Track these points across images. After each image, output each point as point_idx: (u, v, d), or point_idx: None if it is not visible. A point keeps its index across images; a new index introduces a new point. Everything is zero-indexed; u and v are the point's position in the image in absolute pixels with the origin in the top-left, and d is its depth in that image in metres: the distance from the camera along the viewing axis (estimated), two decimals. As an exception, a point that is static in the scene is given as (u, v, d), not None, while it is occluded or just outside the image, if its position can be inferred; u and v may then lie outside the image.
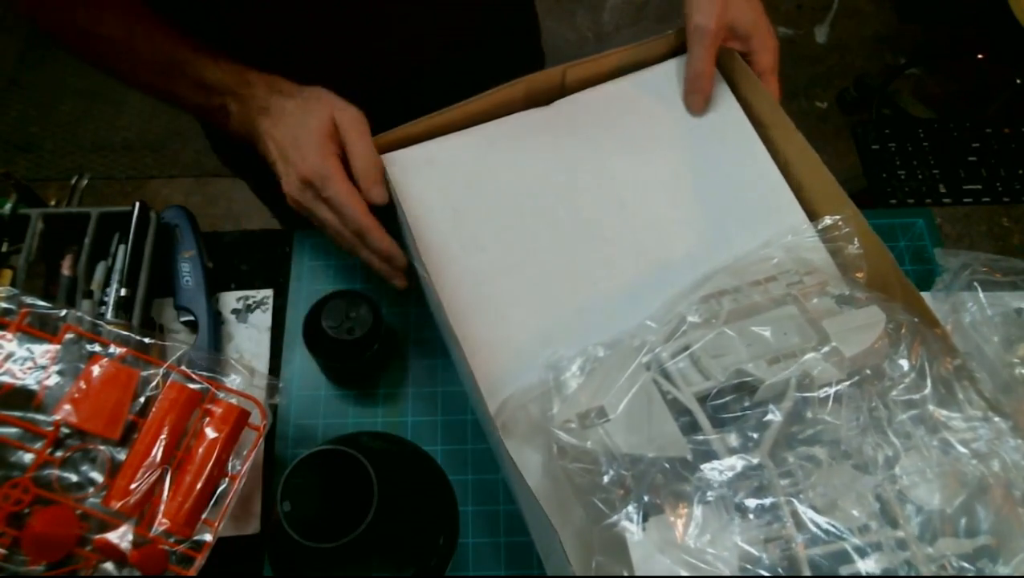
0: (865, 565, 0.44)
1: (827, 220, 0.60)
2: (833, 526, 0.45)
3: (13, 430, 0.52)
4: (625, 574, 0.45)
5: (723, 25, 0.63)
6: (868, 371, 0.49)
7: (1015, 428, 0.47)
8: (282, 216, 0.88)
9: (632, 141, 0.66)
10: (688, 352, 0.51)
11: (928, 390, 0.49)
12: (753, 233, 0.62)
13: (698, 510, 0.46)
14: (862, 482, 0.46)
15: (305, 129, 0.55)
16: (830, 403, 0.49)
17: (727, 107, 0.68)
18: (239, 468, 0.53)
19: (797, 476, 0.47)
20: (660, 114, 0.68)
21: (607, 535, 0.46)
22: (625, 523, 0.46)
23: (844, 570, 0.44)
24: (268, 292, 0.68)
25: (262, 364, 0.65)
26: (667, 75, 0.69)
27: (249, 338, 0.66)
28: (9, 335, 0.54)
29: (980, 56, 1.79)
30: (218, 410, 0.54)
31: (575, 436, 0.49)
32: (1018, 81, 1.61)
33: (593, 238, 0.62)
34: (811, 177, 0.63)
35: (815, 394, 0.48)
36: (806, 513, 0.46)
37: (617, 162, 0.65)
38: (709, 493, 0.46)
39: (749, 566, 0.44)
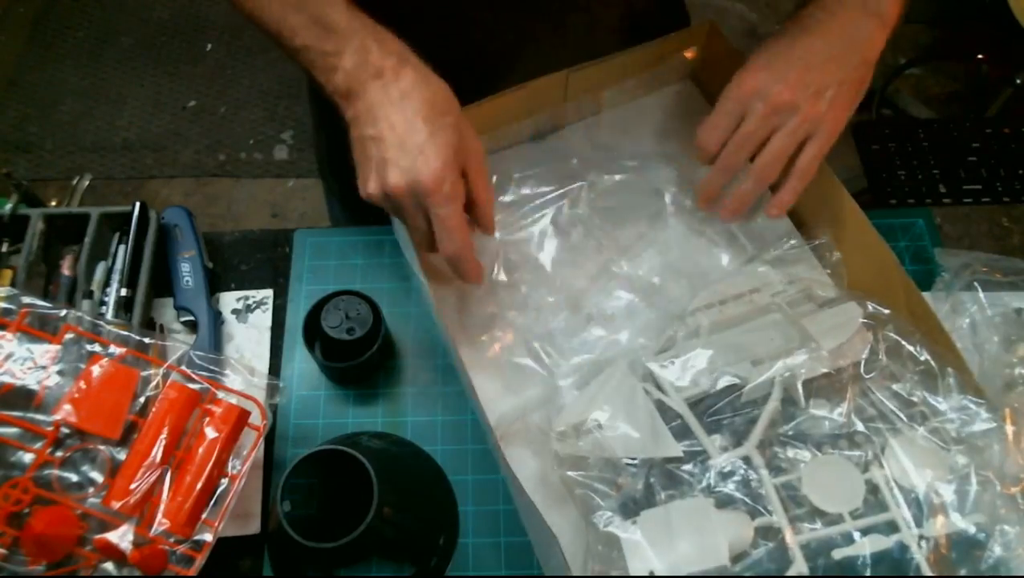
0: (857, 549, 0.44)
1: (807, 231, 0.62)
2: (824, 513, 0.46)
3: (13, 430, 0.52)
4: (623, 574, 0.45)
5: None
6: (849, 363, 0.50)
7: (995, 409, 0.48)
8: (366, 217, 0.74)
9: (623, 170, 0.69)
10: (676, 361, 0.52)
11: (909, 377, 0.50)
12: (742, 249, 0.65)
13: (689, 504, 0.46)
14: (850, 469, 0.47)
15: (442, 135, 0.51)
16: (814, 397, 0.50)
17: None
18: (239, 468, 0.53)
19: (786, 468, 0.48)
20: (649, 141, 0.71)
21: (602, 530, 0.46)
22: (617, 518, 0.46)
23: (836, 554, 0.44)
24: (268, 292, 0.68)
25: (262, 364, 0.65)
26: (654, 105, 0.72)
27: (249, 338, 0.66)
28: (9, 335, 0.54)
29: (980, 56, 1.79)
30: (218, 410, 0.54)
31: (571, 444, 0.50)
32: (1018, 81, 1.61)
33: (587, 262, 0.65)
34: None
35: (799, 389, 0.50)
36: (796, 503, 0.47)
37: (608, 188, 0.68)
38: (700, 488, 0.47)
39: (741, 557, 0.45)
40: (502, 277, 0.64)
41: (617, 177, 0.68)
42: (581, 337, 0.61)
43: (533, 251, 0.65)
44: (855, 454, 0.48)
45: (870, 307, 0.52)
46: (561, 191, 0.67)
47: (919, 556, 0.44)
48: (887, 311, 0.52)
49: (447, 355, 0.65)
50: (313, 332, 0.61)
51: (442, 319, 0.54)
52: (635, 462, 0.49)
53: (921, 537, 0.45)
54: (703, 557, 0.44)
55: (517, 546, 0.58)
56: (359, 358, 0.59)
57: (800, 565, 0.44)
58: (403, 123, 0.51)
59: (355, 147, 0.54)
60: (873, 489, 0.47)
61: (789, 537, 0.45)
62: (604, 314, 0.62)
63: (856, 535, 0.45)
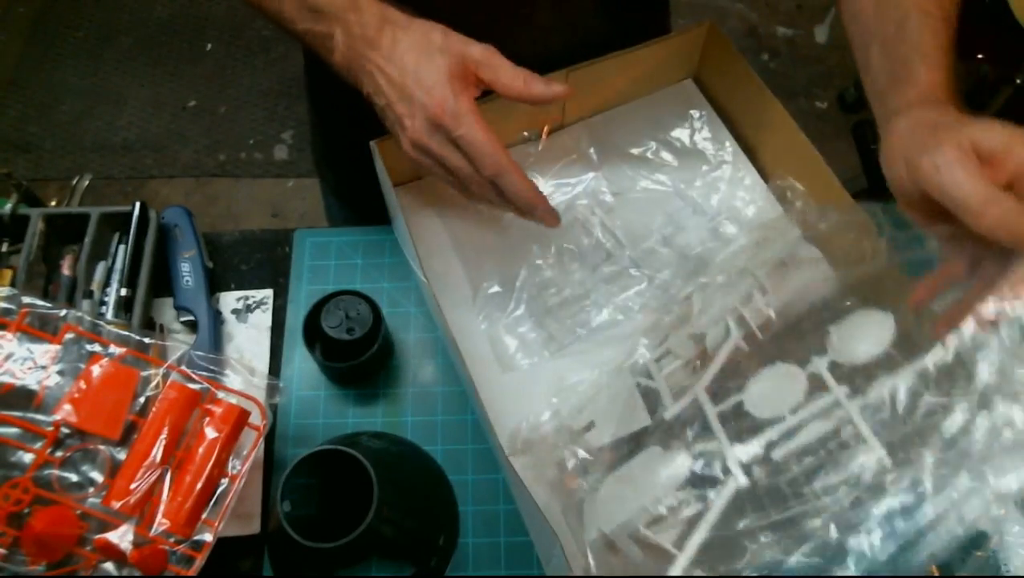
0: (799, 440, 0.43)
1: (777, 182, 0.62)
2: (765, 416, 0.45)
3: (13, 430, 0.52)
4: (623, 574, 0.45)
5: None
6: (797, 307, 0.50)
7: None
8: (363, 216, 0.76)
9: (622, 173, 0.69)
10: (667, 350, 0.53)
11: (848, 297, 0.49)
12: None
13: (645, 454, 0.47)
14: (791, 370, 0.46)
15: (432, 65, 0.51)
16: (760, 330, 0.50)
17: (713, 126, 0.71)
18: (239, 468, 0.53)
19: (734, 395, 0.47)
20: (650, 141, 0.71)
21: (575, 508, 0.47)
22: (582, 481, 0.47)
23: (776, 454, 0.43)
24: (268, 292, 0.68)
25: (262, 364, 0.65)
26: (654, 105, 0.72)
27: (249, 338, 0.66)
28: (9, 335, 0.54)
29: (980, 56, 1.79)
30: (218, 410, 0.54)
31: (570, 448, 0.51)
32: (1018, 81, 1.61)
33: (589, 265, 0.65)
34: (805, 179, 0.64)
35: (753, 329, 0.50)
36: (745, 426, 0.46)
37: (610, 191, 0.68)
38: (655, 437, 0.48)
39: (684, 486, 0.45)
40: (507, 275, 0.64)
41: (618, 180, 0.68)
42: (587, 335, 0.61)
43: (537, 262, 0.65)
44: (799, 361, 0.46)
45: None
46: (564, 197, 0.67)
47: (863, 427, 0.42)
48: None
49: (447, 355, 0.65)
50: (313, 332, 0.61)
51: (442, 316, 0.54)
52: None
53: (864, 406, 0.42)
54: (640, 495, 0.45)
55: (517, 546, 0.58)
56: (359, 358, 0.59)
57: (740, 478, 0.43)
58: (398, 75, 0.52)
59: (384, 121, 0.55)
60: (817, 382, 0.45)
61: (728, 454, 0.44)
62: (607, 319, 0.62)
63: (797, 428, 0.43)
